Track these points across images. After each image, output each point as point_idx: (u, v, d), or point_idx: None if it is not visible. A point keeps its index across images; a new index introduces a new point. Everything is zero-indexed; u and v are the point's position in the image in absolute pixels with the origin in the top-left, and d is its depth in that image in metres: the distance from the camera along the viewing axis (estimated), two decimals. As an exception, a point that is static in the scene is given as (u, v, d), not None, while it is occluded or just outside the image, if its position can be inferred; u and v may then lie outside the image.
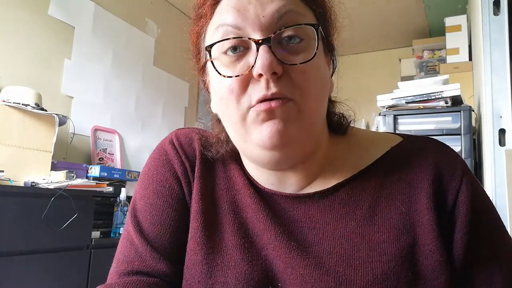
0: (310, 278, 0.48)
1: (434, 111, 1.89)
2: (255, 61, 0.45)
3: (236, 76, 0.46)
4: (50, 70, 2.33)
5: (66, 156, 2.33)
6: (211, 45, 0.48)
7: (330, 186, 0.53)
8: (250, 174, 0.57)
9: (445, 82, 1.94)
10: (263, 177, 0.55)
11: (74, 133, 2.31)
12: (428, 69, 3.38)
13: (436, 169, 0.51)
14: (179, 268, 0.54)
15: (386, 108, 1.99)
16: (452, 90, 1.87)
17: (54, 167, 1.99)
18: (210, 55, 0.48)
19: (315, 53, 0.47)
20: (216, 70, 0.48)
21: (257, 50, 0.45)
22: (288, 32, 0.46)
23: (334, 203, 0.52)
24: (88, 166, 2.25)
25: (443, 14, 3.12)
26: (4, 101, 1.79)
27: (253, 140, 0.48)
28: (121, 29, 2.83)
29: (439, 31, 3.34)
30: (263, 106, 0.46)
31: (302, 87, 0.46)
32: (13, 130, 1.76)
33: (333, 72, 0.56)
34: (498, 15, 1.69)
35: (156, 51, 3.14)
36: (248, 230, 0.53)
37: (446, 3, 3.20)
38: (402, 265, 0.47)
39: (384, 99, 2.00)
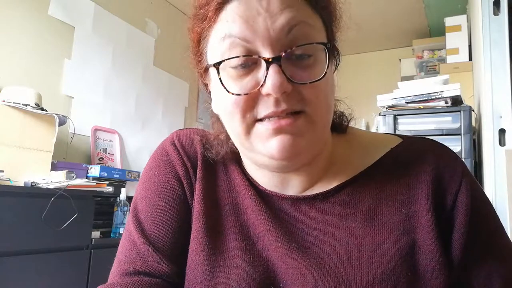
0: (311, 278, 0.48)
1: (434, 111, 1.89)
2: (265, 80, 0.44)
3: (244, 94, 0.46)
4: (50, 70, 2.33)
5: (66, 156, 2.33)
6: (219, 62, 0.46)
7: (330, 187, 0.53)
8: (251, 175, 0.57)
9: (445, 82, 1.94)
10: (265, 179, 0.55)
11: (74, 133, 2.31)
12: (428, 69, 3.39)
13: (436, 170, 0.51)
14: (181, 268, 0.54)
15: (386, 108, 1.99)
16: (452, 90, 1.87)
17: (54, 167, 1.99)
18: (218, 72, 0.47)
19: (326, 72, 0.46)
20: (224, 87, 0.46)
21: (267, 69, 0.44)
22: (298, 50, 0.45)
23: (334, 204, 0.52)
24: (88, 166, 2.25)
25: (443, 14, 3.12)
26: (4, 101, 1.79)
27: (260, 152, 0.48)
28: (121, 29, 2.83)
29: (439, 31, 3.34)
30: (272, 125, 0.45)
31: (313, 101, 0.46)
32: (13, 130, 1.76)
33: (334, 70, 0.55)
34: (498, 15, 1.69)
35: (156, 51, 3.14)
36: (249, 232, 0.53)
37: (446, 3, 3.20)
38: (401, 265, 0.47)
39: (384, 99, 2.00)
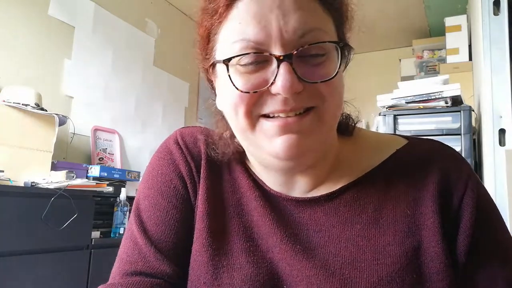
0: (316, 280, 0.48)
1: (434, 111, 1.89)
2: (275, 78, 0.43)
3: (254, 92, 0.45)
4: (50, 70, 2.33)
5: (66, 156, 2.33)
6: (229, 59, 0.45)
7: (335, 189, 0.53)
8: (257, 175, 0.56)
9: (445, 82, 1.94)
10: (271, 179, 0.55)
11: (74, 133, 2.31)
12: (428, 69, 3.38)
13: (442, 172, 0.51)
14: (183, 269, 0.54)
15: (386, 108, 1.99)
16: (452, 90, 1.87)
17: (54, 167, 1.99)
18: (227, 69, 0.46)
19: (337, 72, 0.45)
20: (234, 85, 0.45)
21: (278, 67, 0.43)
22: (310, 49, 0.44)
23: (339, 206, 0.52)
24: (88, 166, 2.25)
25: (443, 14, 3.12)
26: (4, 101, 1.79)
27: (265, 149, 0.47)
28: (121, 29, 2.83)
29: (439, 31, 3.34)
30: (279, 122, 0.45)
31: (324, 97, 0.45)
32: (13, 130, 1.76)
33: (344, 69, 0.55)
34: (498, 15, 1.69)
35: (156, 51, 3.14)
36: (253, 234, 0.53)
37: (446, 3, 3.20)
38: (407, 267, 0.47)
39: (384, 99, 2.00)
